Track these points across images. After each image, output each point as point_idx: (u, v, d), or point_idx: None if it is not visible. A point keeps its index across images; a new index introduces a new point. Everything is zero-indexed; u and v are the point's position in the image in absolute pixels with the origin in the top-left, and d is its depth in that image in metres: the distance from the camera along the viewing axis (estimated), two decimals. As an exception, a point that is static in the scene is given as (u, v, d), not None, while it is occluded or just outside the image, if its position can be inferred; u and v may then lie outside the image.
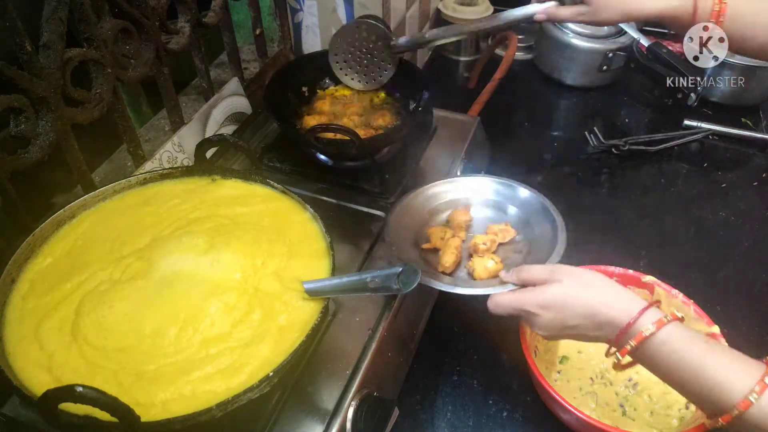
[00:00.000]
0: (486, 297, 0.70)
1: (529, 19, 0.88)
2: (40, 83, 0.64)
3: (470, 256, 0.81)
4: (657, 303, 0.62)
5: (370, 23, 0.95)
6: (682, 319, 0.60)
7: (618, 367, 0.63)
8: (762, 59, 0.83)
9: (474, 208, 0.88)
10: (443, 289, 0.73)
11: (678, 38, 0.90)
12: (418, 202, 0.88)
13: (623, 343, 0.60)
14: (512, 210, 0.86)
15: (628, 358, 0.61)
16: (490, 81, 1.29)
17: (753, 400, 0.52)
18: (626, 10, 0.80)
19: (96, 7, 0.70)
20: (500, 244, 0.82)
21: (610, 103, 1.34)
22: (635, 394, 0.75)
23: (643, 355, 0.59)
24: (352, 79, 1.01)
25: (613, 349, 0.62)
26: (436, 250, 0.81)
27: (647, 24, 1.47)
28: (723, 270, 0.95)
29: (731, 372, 0.55)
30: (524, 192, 0.86)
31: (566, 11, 0.84)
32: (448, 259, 0.78)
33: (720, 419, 0.55)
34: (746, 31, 0.78)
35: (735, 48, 0.81)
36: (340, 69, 1.00)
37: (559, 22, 0.87)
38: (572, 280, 0.64)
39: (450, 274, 0.79)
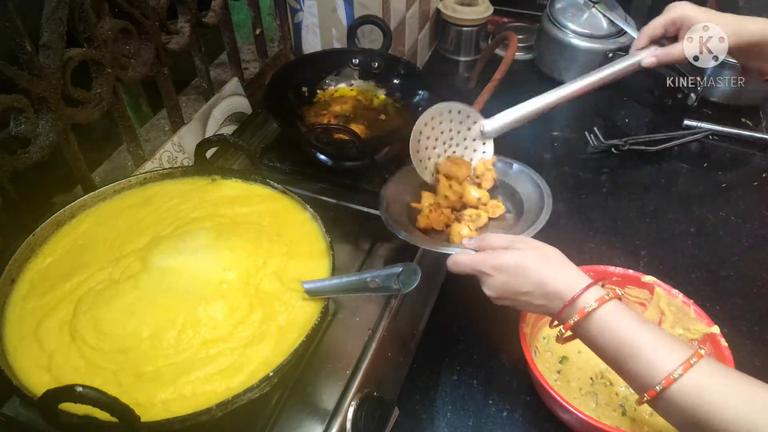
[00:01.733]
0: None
1: (637, 67, 0.86)
2: (40, 83, 0.64)
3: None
4: (602, 281, 0.64)
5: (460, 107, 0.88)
6: (621, 297, 0.63)
7: (560, 340, 0.65)
8: None
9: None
10: (406, 239, 0.75)
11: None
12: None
13: (566, 317, 0.62)
14: (509, 189, 0.88)
15: (569, 333, 0.64)
16: (490, 81, 1.29)
17: (675, 377, 0.54)
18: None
19: (96, 7, 0.70)
20: (490, 219, 0.83)
21: (610, 103, 1.34)
22: (635, 394, 0.75)
23: (583, 330, 0.62)
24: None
25: (556, 323, 0.64)
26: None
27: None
28: (723, 270, 0.95)
29: (662, 350, 0.57)
30: (516, 167, 0.88)
31: (675, 47, 0.83)
32: (422, 221, 0.81)
33: (646, 395, 0.57)
34: None
35: None
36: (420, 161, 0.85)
37: (671, 63, 0.86)
38: (531, 250, 0.66)
39: (427, 234, 0.81)
